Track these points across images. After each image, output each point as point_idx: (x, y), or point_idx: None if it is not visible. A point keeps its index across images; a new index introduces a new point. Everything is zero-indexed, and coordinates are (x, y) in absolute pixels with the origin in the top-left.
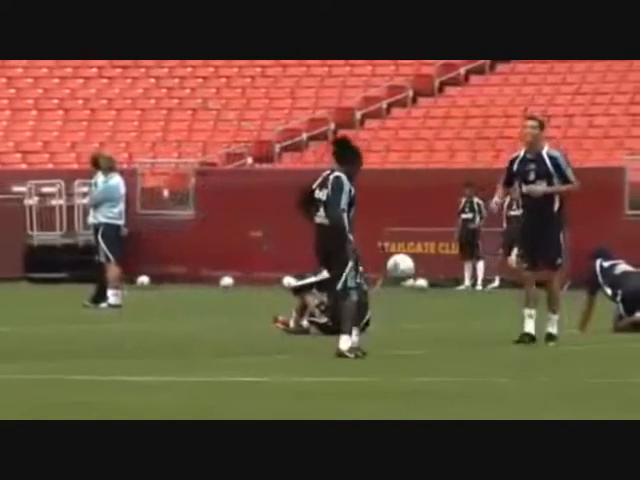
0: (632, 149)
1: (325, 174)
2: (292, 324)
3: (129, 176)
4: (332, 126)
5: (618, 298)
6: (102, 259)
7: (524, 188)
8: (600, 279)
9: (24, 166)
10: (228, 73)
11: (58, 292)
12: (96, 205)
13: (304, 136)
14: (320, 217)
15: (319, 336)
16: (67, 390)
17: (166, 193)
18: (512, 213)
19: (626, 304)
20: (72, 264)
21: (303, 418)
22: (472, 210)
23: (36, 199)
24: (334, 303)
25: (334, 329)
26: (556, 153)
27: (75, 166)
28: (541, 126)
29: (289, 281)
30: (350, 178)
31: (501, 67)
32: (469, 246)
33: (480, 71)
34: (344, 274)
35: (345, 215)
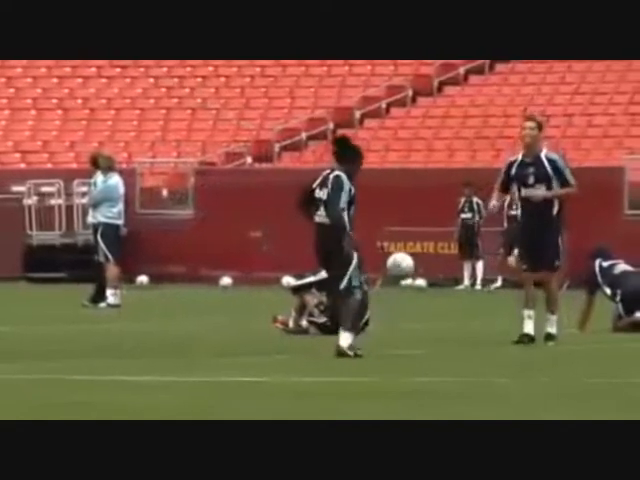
0: (631, 149)
1: (325, 173)
2: (291, 324)
3: (128, 176)
4: (331, 126)
5: (617, 298)
6: (101, 259)
7: (523, 191)
8: (599, 279)
9: (23, 166)
10: (227, 73)
11: (57, 292)
12: (95, 205)
13: (303, 136)
14: (320, 216)
15: (318, 336)
16: (67, 390)
17: (165, 193)
18: (513, 212)
19: (625, 304)
20: (71, 264)
21: (303, 418)
22: (471, 210)
23: (35, 199)
24: (333, 303)
25: (333, 329)
26: (554, 156)
27: (74, 166)
28: (539, 127)
29: (288, 281)
30: (350, 177)
31: (500, 67)
32: (468, 246)
33: (479, 71)
34: (348, 272)
35: (345, 214)
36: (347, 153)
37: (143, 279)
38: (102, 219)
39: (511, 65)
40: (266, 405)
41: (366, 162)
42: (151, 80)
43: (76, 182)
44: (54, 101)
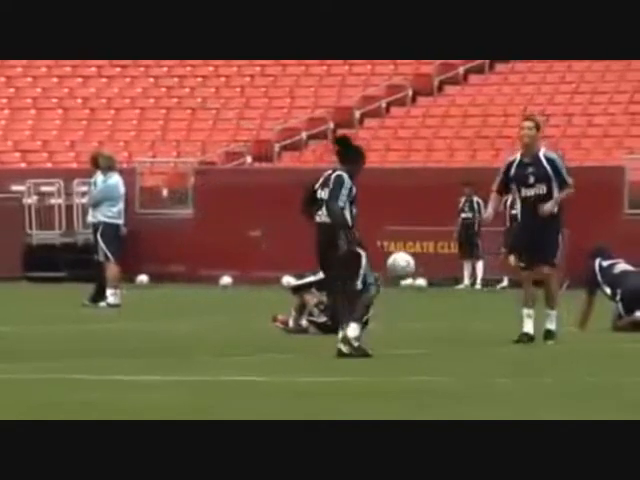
0: (631, 148)
1: (327, 174)
2: (291, 323)
3: (128, 175)
4: (331, 125)
5: (617, 297)
6: (101, 258)
7: (523, 192)
8: (599, 278)
9: (23, 165)
10: (227, 72)
11: (57, 291)
12: (95, 204)
13: (303, 135)
14: (321, 216)
15: (318, 335)
16: (67, 390)
17: (165, 192)
18: (514, 212)
19: (625, 303)
20: (71, 263)
21: (303, 418)
22: (472, 209)
23: (35, 198)
24: (333, 303)
25: (333, 328)
26: (553, 155)
27: (74, 165)
28: (537, 127)
29: (288, 280)
30: (352, 177)
31: (500, 67)
32: (468, 245)
33: (479, 70)
34: (360, 272)
35: (347, 213)
36: (350, 153)
37: (143, 279)
38: (102, 218)
39: (511, 65)
40: (266, 405)
41: (366, 161)
42: (151, 80)
43: (76, 182)
44: (54, 101)
